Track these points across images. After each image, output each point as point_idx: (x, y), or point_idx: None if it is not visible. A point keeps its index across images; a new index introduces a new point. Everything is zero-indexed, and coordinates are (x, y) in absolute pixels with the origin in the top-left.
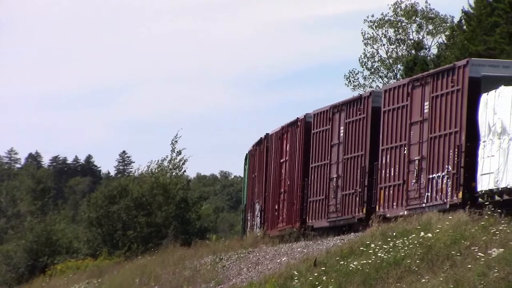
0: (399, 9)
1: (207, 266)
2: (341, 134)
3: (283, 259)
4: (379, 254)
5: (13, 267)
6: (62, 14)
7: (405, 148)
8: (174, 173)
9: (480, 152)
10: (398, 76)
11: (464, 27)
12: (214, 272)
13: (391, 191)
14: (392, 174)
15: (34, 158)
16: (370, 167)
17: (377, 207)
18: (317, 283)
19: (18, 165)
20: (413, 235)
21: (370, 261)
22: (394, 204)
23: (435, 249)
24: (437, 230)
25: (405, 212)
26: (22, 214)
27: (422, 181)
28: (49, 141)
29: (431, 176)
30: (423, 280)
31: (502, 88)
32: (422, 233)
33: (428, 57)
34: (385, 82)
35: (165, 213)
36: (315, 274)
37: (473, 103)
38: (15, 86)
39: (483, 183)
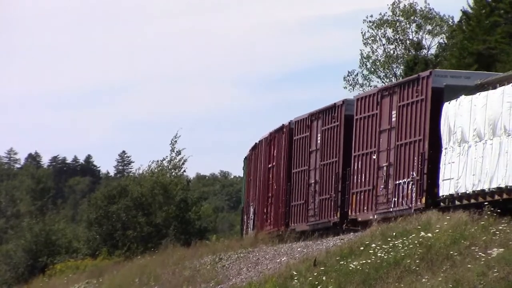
0: (397, 9)
1: (207, 266)
2: (318, 141)
3: (283, 259)
4: (379, 254)
5: (12, 267)
6: (62, 14)
7: (375, 155)
8: (174, 173)
9: (442, 158)
10: (398, 75)
11: (464, 27)
12: (214, 272)
13: (362, 196)
14: (363, 180)
15: (33, 158)
16: (343, 173)
17: (349, 211)
18: (316, 283)
19: (17, 165)
20: (412, 235)
21: (370, 261)
22: (365, 208)
23: (434, 249)
24: (437, 230)
25: (375, 217)
26: (22, 214)
27: (390, 187)
28: (49, 141)
29: (397, 182)
30: (423, 280)
31: (463, 97)
32: (422, 233)
33: (428, 57)
34: (384, 82)
35: (165, 213)
36: (315, 274)
37: (437, 112)
38: (15, 86)
39: (445, 188)
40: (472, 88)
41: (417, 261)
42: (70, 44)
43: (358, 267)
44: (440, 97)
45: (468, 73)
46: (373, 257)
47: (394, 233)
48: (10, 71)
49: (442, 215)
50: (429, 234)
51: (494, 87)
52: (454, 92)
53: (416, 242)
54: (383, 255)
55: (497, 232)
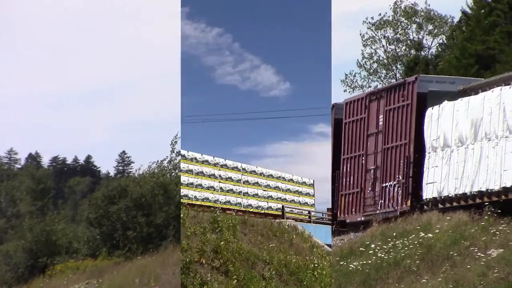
0: (399, 9)
1: None
2: None
3: None
4: (379, 255)
5: (12, 267)
6: (62, 13)
7: (363, 158)
8: (174, 174)
9: (426, 162)
10: (398, 76)
11: (463, 27)
12: None
13: (351, 198)
14: (352, 182)
15: (33, 159)
16: (333, 175)
17: (338, 213)
18: None
19: (18, 166)
20: (413, 236)
21: (370, 261)
22: (353, 210)
23: (435, 250)
24: (437, 231)
25: (362, 218)
26: (22, 214)
27: (377, 189)
28: (49, 141)
29: (384, 185)
30: (423, 280)
31: (445, 103)
32: (422, 234)
33: (428, 57)
34: (385, 83)
35: (165, 214)
36: None
37: (422, 116)
38: (15, 86)
39: (428, 192)
40: (455, 93)
41: (417, 261)
42: (70, 44)
43: (359, 267)
44: (424, 101)
45: (453, 78)
46: (373, 257)
47: (394, 234)
48: (10, 71)
49: (443, 216)
50: (429, 235)
51: (476, 93)
52: (438, 97)
53: (416, 242)
54: (383, 255)
55: (497, 233)
